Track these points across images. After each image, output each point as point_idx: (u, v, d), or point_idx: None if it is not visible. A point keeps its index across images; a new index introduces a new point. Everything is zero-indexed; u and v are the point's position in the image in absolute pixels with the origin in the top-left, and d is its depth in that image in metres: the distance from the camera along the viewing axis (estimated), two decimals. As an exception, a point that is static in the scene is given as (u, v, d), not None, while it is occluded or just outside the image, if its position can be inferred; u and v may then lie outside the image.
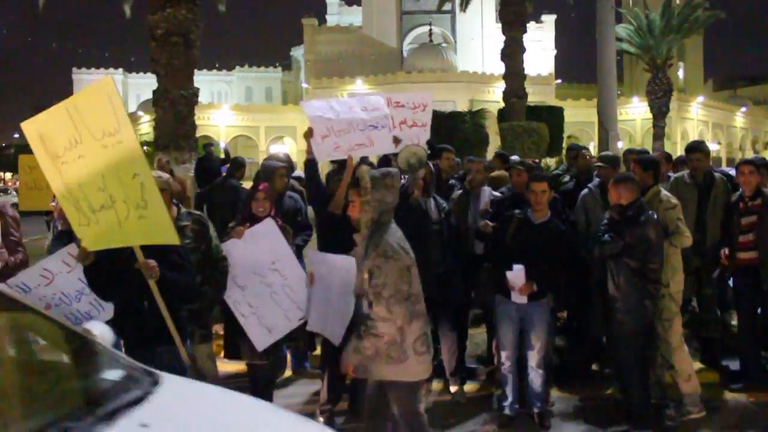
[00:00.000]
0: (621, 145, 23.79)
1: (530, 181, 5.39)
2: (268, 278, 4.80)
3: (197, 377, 4.47)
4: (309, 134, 5.64)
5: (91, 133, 3.40)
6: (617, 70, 18.26)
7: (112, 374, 2.84)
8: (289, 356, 6.29)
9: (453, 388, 5.90)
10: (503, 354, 5.30)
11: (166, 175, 4.57)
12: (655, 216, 5.04)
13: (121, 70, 78.25)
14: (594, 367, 6.37)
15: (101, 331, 3.12)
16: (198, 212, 4.66)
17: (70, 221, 3.74)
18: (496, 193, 6.42)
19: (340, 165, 6.00)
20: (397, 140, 5.66)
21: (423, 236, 5.48)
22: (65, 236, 4.77)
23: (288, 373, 6.45)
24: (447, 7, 47.90)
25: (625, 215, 4.98)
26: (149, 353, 3.50)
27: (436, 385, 6.09)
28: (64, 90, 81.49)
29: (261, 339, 4.69)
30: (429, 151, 6.51)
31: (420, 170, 5.89)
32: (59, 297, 4.31)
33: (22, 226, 5.38)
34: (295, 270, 4.97)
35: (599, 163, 6.43)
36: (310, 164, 5.63)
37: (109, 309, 4.14)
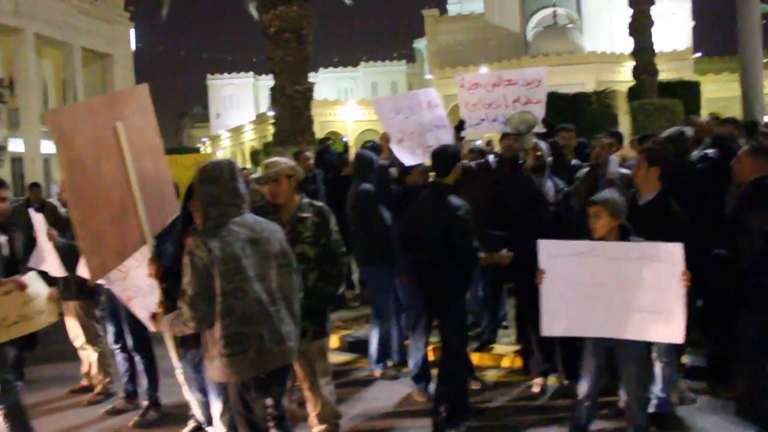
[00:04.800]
0: (772, 120, 21.78)
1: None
2: None
3: (308, 375, 4.37)
4: (386, 139, 5.49)
5: None
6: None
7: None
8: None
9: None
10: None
11: (292, 162, 4.45)
12: None
13: (251, 73, 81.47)
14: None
15: None
16: (320, 204, 4.47)
17: None
18: (624, 170, 5.89)
19: None
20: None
21: (535, 214, 5.33)
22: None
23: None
24: (572, -15, 46.13)
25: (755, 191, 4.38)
26: None
27: (553, 379, 5.74)
28: (201, 96, 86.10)
29: None
30: (546, 130, 6.19)
31: (529, 138, 5.59)
32: (135, 290, 4.49)
33: None
34: None
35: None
36: (381, 170, 5.46)
37: None
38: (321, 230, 4.32)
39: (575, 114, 20.39)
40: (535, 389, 5.62)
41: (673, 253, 3.83)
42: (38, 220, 5.23)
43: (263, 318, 3.49)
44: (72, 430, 5.29)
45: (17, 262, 4.73)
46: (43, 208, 8.01)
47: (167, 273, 3.85)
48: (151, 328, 4.09)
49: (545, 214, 5.44)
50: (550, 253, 4.09)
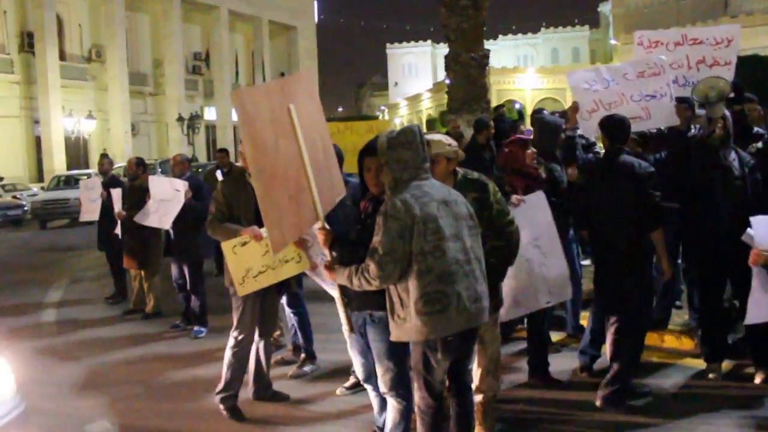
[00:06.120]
0: None
1: None
2: (528, 253, 4.74)
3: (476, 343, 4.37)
4: (575, 109, 5.31)
5: None
6: None
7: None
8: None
9: (759, 378, 5.09)
10: None
11: (454, 144, 4.36)
12: None
13: (429, 41, 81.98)
14: None
15: None
16: (476, 176, 4.33)
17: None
18: None
19: None
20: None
21: (718, 186, 5.01)
22: None
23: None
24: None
25: None
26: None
27: (726, 365, 5.33)
28: (380, 65, 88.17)
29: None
30: (733, 95, 5.68)
31: (719, 105, 5.13)
32: (321, 258, 4.66)
33: None
34: (555, 249, 4.91)
35: None
36: (569, 141, 5.24)
37: None
38: (481, 204, 4.17)
39: (777, 80, 18.47)
40: (711, 375, 5.24)
41: None
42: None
43: (461, 276, 3.54)
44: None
45: None
46: (231, 171, 8.64)
47: (336, 240, 3.97)
48: (335, 294, 4.23)
49: (731, 189, 5.02)
50: (761, 228, 3.84)
